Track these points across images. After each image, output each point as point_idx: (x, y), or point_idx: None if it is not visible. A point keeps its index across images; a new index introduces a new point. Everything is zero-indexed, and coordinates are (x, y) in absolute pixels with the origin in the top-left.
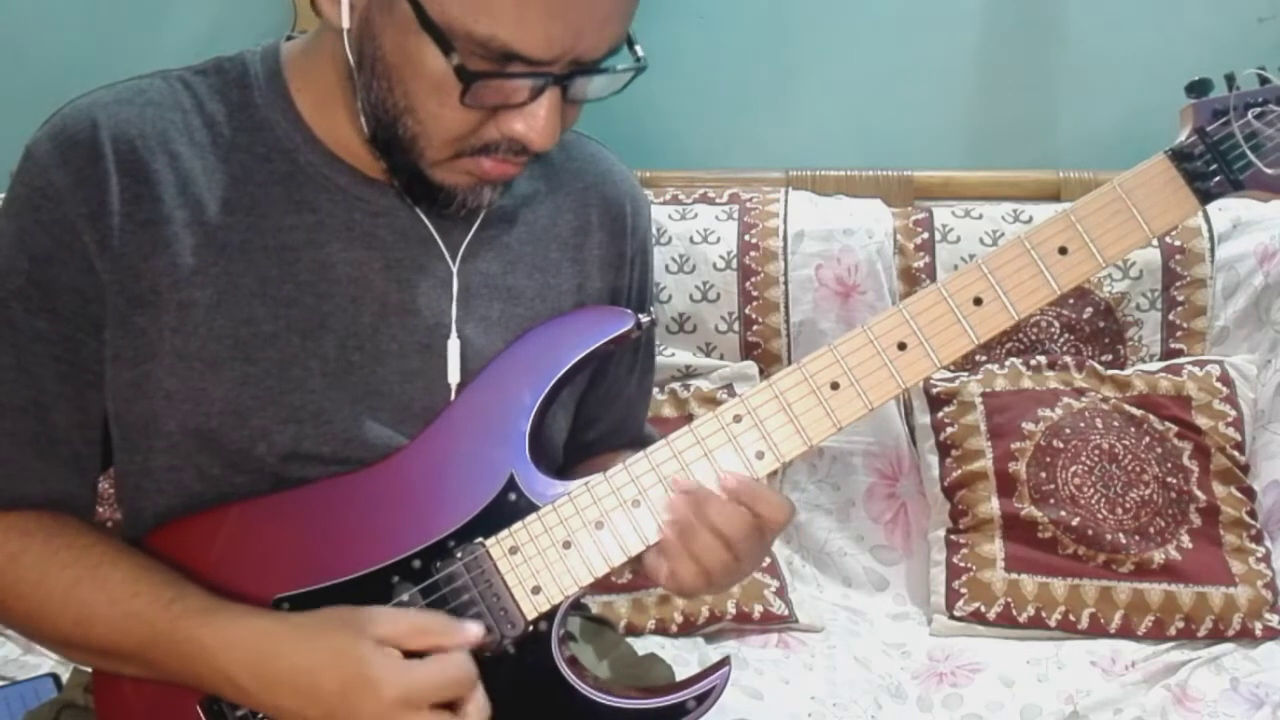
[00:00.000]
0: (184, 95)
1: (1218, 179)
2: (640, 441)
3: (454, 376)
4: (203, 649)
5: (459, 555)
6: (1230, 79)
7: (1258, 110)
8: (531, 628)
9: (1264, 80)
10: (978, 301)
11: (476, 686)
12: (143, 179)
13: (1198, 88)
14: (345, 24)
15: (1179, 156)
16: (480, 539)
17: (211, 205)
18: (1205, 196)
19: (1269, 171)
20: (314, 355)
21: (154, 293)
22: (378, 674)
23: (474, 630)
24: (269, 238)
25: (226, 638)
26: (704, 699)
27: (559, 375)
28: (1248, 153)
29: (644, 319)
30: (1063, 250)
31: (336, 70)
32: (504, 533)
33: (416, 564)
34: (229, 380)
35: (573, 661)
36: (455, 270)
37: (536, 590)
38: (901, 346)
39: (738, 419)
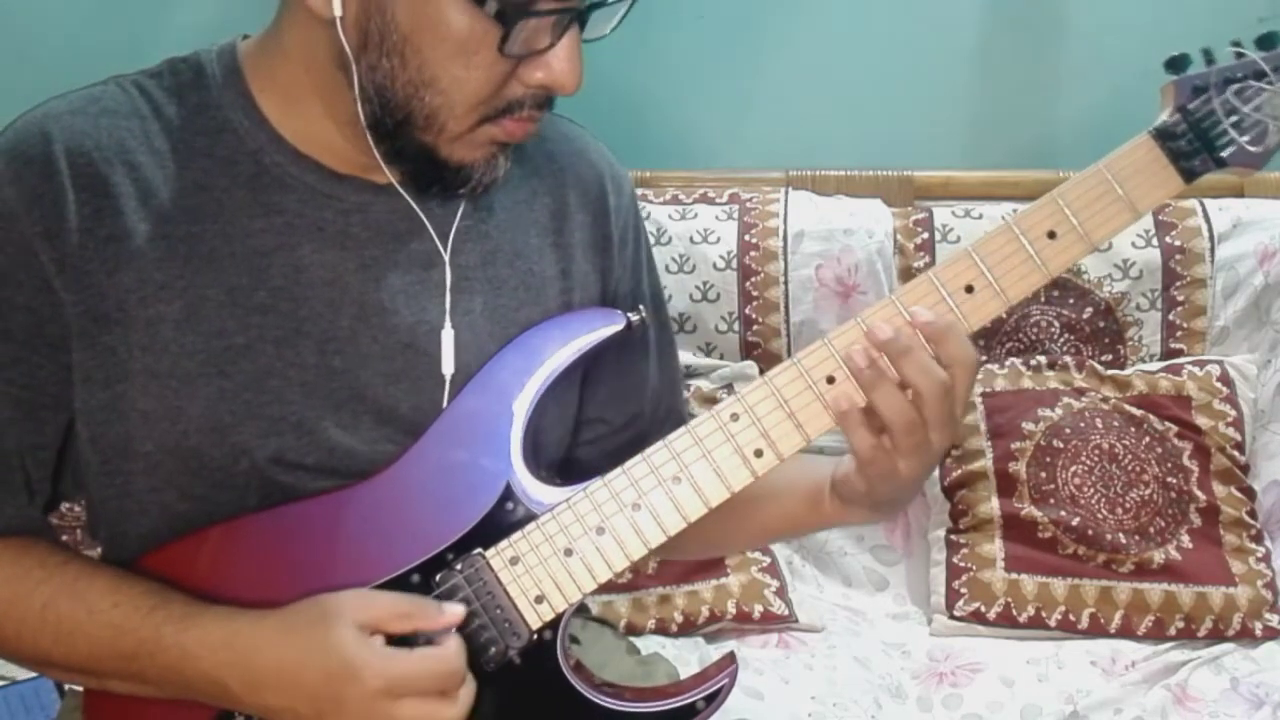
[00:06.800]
0: (140, 101)
1: (1201, 157)
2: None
3: (448, 368)
4: (185, 654)
5: (459, 568)
6: (1208, 54)
7: (1237, 86)
8: (536, 637)
9: (1240, 55)
10: (969, 289)
11: (464, 680)
12: (101, 193)
13: (1176, 63)
14: (337, 12)
15: (1163, 135)
16: (480, 550)
17: (175, 215)
18: (1189, 175)
19: (1251, 149)
20: (291, 364)
21: (121, 310)
22: (360, 662)
23: (454, 610)
24: (236, 244)
25: (209, 641)
26: (713, 698)
27: (549, 381)
28: (1229, 130)
29: (634, 318)
30: (1051, 234)
31: (307, 65)
32: (504, 543)
33: (415, 579)
34: (204, 396)
35: (578, 667)
36: (448, 260)
37: (540, 599)
38: None
39: (735, 417)
